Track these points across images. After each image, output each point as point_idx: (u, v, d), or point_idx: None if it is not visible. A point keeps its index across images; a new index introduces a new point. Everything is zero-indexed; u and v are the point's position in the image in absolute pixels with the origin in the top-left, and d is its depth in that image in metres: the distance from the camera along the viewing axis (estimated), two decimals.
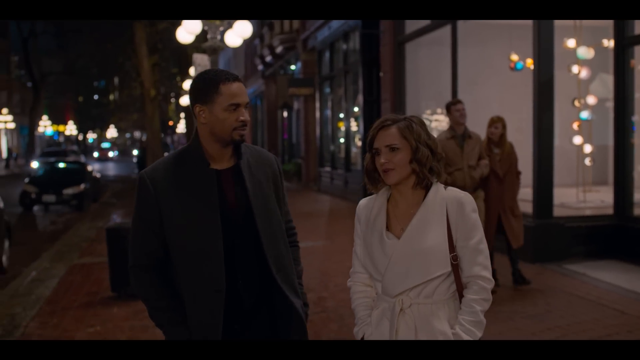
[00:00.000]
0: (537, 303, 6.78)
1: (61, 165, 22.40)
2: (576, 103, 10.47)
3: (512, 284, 7.47)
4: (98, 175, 23.93)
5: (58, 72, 62.06)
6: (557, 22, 9.78)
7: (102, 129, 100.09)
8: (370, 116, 15.83)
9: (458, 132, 7.19)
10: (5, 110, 53.04)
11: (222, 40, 10.47)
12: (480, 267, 2.63)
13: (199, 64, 10.28)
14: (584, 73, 10.36)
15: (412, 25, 13.28)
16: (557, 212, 8.95)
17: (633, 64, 8.64)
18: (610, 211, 9.04)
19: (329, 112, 20.32)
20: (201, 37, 12.26)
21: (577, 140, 10.55)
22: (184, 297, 2.81)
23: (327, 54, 20.12)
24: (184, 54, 32.98)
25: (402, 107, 13.60)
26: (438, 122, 13.73)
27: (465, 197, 2.66)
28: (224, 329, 2.81)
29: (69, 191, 19.28)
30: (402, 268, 2.61)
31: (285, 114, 28.14)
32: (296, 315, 2.88)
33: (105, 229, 8.09)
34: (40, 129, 67.54)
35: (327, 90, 20.29)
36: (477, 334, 2.58)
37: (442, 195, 2.65)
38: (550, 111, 8.68)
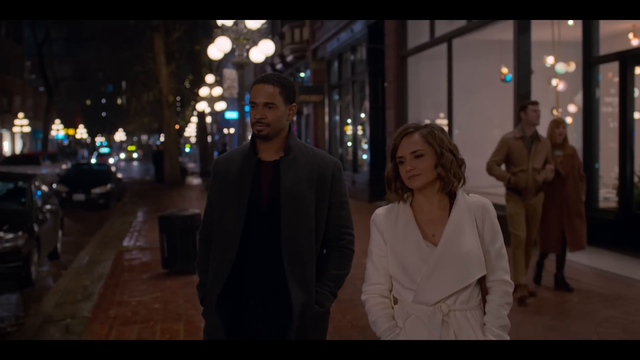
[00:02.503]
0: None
1: (88, 167, 23.97)
2: (554, 112, 11.98)
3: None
4: (120, 176, 25.47)
5: (72, 77, 63.48)
6: (538, 40, 11.30)
7: (110, 133, 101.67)
8: (375, 122, 17.35)
9: (528, 133, 7.07)
10: (21, 114, 54.59)
11: (247, 56, 12.06)
12: (503, 271, 2.67)
13: (229, 77, 11.92)
14: (561, 86, 11.87)
15: (413, 41, 14.81)
16: None
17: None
18: None
19: (337, 118, 21.84)
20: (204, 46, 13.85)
21: None
22: (210, 264, 3.18)
23: (335, 64, 21.64)
24: (197, 62, 34.52)
25: (404, 113, 15.12)
26: None
27: (488, 203, 2.70)
28: (237, 298, 3.08)
29: (97, 191, 20.69)
30: (442, 274, 2.59)
31: (294, 118, 29.64)
32: (295, 307, 2.99)
33: (158, 216, 9.64)
34: (53, 133, 68.97)
35: (336, 97, 21.81)
36: (506, 337, 2.63)
37: (467, 200, 2.67)
38: None
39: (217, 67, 39.54)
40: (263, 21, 11.67)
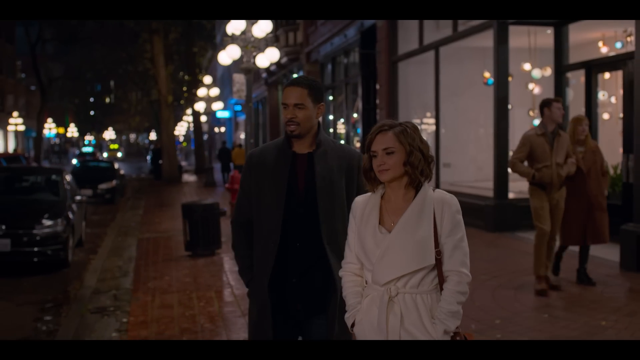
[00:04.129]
0: (491, 253, 9.64)
1: (94, 163, 25.13)
2: (531, 113, 13.29)
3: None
4: (122, 172, 26.61)
5: (65, 76, 64.15)
6: (517, 47, 12.55)
7: (98, 132, 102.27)
8: (368, 121, 18.60)
9: (549, 130, 7.19)
10: (15, 113, 55.43)
11: (254, 62, 13.27)
12: (459, 262, 2.81)
13: (238, 81, 13.14)
14: (537, 89, 13.18)
15: (403, 48, 16.08)
16: (512, 195, 11.80)
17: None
18: None
19: (330, 117, 23.10)
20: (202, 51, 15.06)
21: None
22: (254, 247, 3.45)
23: (329, 67, 22.89)
24: (192, 63, 35.64)
25: (395, 113, 16.36)
26: (427, 126, 16.14)
27: (451, 199, 2.86)
28: (280, 276, 3.33)
29: (103, 186, 21.76)
30: (391, 259, 2.79)
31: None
32: (336, 282, 3.27)
33: (181, 204, 10.89)
34: (45, 131, 69.62)
35: (330, 98, 23.06)
36: (452, 322, 2.77)
37: (430, 195, 2.83)
38: (506, 120, 11.56)
39: (206, 68, 40.65)
40: (269, 30, 12.88)
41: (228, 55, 13.01)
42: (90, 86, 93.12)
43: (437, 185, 14.16)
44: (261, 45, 13.08)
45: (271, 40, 13.22)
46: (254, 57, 13.16)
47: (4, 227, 9.73)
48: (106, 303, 7.79)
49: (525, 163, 7.38)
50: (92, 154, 55.89)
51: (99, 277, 9.24)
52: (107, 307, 7.55)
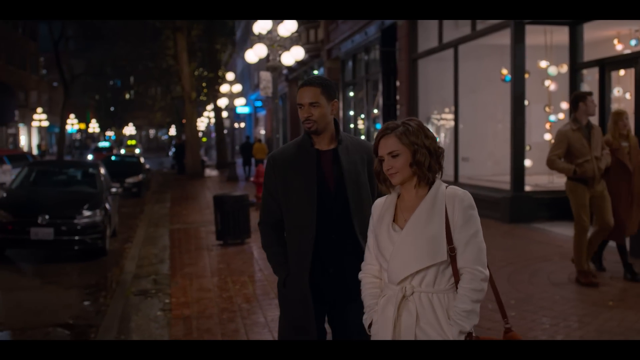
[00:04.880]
0: (508, 242, 10.13)
1: (120, 158, 25.87)
2: (547, 109, 13.73)
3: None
4: (148, 167, 27.30)
5: (86, 73, 65.01)
6: (533, 44, 12.97)
7: (119, 127, 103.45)
8: (388, 117, 19.06)
9: (583, 123, 7.16)
10: (40, 109, 56.48)
11: (279, 60, 13.84)
12: (473, 258, 2.77)
13: (265, 78, 13.71)
14: (553, 86, 13.61)
15: (423, 46, 16.55)
16: (528, 188, 12.28)
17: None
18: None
19: (351, 113, 23.61)
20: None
21: (547, 136, 13.84)
22: (288, 245, 3.56)
23: (349, 64, 23.39)
24: (214, 59, 36.27)
25: (415, 109, 16.85)
26: (446, 121, 16.68)
27: (463, 194, 2.84)
28: (317, 269, 3.44)
29: (130, 180, 22.42)
30: (403, 255, 2.80)
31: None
32: None
33: (213, 196, 11.48)
34: (67, 127, 70.63)
35: (350, 94, 23.57)
36: (468, 322, 2.74)
37: (442, 192, 2.84)
38: (522, 115, 12.03)
39: (226, 64, 41.25)
40: (294, 29, 13.44)
41: (255, 53, 13.59)
42: (111, 82, 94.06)
43: (456, 179, 14.66)
44: (287, 44, 13.64)
45: (296, 39, 13.76)
46: (280, 55, 13.74)
47: (47, 217, 10.35)
48: (147, 286, 8.39)
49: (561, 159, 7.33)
50: (109, 148, 53.79)
51: (137, 264, 9.85)
52: (148, 290, 8.15)
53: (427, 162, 2.82)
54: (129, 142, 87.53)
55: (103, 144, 64.65)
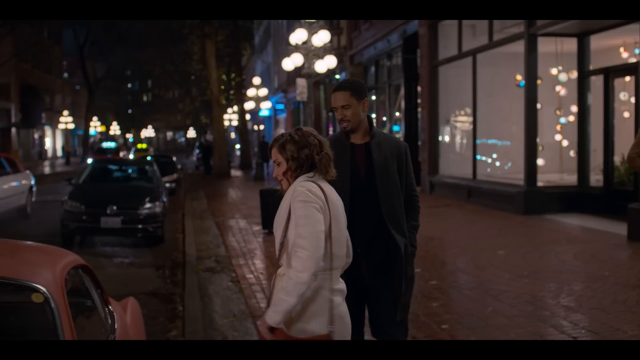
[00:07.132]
0: (521, 230, 11.46)
1: (154, 159, 27.36)
2: (557, 112, 15.05)
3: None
4: (180, 166, 28.79)
5: (109, 76, 66.51)
6: (545, 52, 14.23)
7: (138, 129, 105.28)
8: (409, 119, 20.45)
9: None
10: (66, 112, 58.15)
11: (313, 68, 15.24)
12: (294, 257, 3.07)
13: (300, 84, 15.12)
14: (563, 92, 14.90)
15: (443, 54, 17.89)
16: (540, 184, 13.63)
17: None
18: (575, 183, 13.67)
19: (373, 115, 24.92)
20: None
21: (558, 137, 15.16)
22: None
23: (372, 69, 24.74)
24: (238, 64, 37.72)
25: (435, 112, 18.18)
26: (462, 123, 18.14)
27: (297, 190, 3.13)
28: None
29: (166, 179, 23.83)
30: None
31: (330, 114, 32.68)
32: (398, 249, 3.81)
33: (259, 190, 12.90)
34: (90, 130, 72.18)
35: (372, 97, 24.90)
36: (273, 316, 3.09)
37: (292, 188, 3.19)
38: (535, 118, 13.38)
39: (244, 68, 42.65)
40: (327, 40, 14.84)
41: (292, 62, 14.99)
42: (131, 85, 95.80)
43: (474, 176, 15.97)
44: (320, 53, 15.04)
45: (329, 48, 15.16)
46: (313, 63, 15.14)
47: (115, 207, 11.80)
48: (211, 265, 9.78)
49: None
50: (115, 149, 48.55)
51: (197, 248, 11.25)
52: (214, 268, 9.54)
53: (297, 167, 3.23)
54: (139, 146, 79.54)
55: (108, 144, 60.31)
